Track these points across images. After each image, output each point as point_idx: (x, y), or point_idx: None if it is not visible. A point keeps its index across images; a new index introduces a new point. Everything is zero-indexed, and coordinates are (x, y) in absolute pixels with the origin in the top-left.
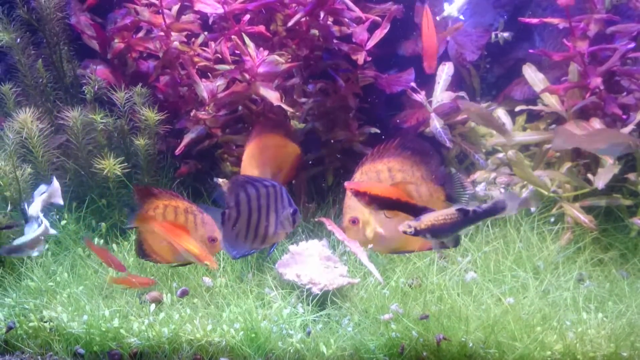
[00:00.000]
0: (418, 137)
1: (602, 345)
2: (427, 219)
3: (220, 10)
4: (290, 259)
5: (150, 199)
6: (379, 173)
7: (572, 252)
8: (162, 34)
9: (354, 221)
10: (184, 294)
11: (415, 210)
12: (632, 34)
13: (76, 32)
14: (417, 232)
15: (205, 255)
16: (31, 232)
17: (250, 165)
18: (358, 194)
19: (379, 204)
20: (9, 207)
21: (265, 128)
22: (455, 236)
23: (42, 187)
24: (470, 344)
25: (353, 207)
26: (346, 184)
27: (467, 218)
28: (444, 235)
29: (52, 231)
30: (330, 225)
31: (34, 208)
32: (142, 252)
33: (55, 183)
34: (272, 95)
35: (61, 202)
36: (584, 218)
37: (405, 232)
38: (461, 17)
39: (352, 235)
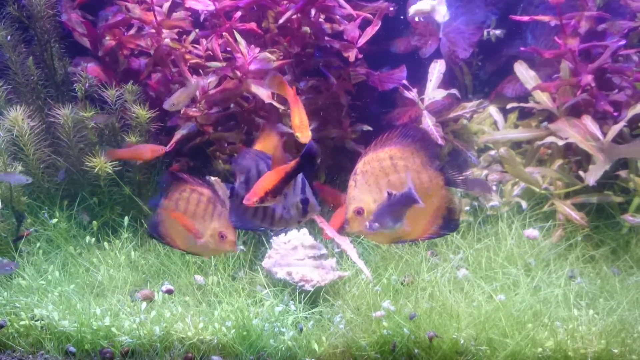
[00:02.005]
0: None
1: (593, 342)
2: None
3: (212, 7)
4: (275, 253)
5: (181, 182)
6: (381, 162)
7: (564, 249)
8: (153, 31)
9: (359, 212)
10: (169, 292)
11: (299, 170)
12: (623, 31)
13: (67, 29)
14: None
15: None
16: None
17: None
18: (262, 199)
19: (280, 189)
20: (0, 205)
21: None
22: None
23: None
24: (462, 341)
25: (357, 197)
26: (245, 201)
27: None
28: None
29: None
30: (321, 222)
31: None
32: (157, 232)
33: None
34: (264, 93)
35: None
36: (575, 215)
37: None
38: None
39: (356, 226)
